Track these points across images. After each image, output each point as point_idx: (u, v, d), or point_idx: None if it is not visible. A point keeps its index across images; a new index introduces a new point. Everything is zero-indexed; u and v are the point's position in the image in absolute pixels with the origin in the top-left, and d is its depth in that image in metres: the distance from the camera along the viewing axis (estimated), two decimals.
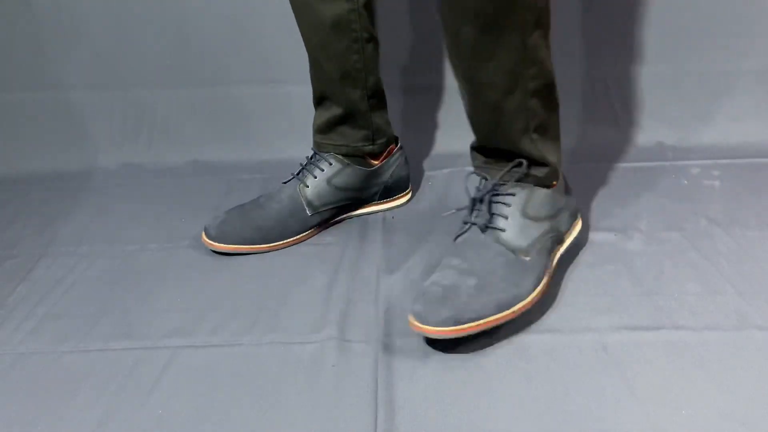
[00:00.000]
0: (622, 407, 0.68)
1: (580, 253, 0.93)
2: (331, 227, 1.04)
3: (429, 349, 0.76)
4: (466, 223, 0.84)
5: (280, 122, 1.28)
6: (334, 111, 1.00)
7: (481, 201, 0.83)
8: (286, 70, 1.27)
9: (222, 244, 0.96)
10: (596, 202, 1.06)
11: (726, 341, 0.76)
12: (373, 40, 0.97)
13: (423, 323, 0.72)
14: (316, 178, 1.00)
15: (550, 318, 0.81)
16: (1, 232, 1.07)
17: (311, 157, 1.03)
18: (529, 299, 0.78)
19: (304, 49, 1.24)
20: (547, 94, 0.80)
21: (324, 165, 1.01)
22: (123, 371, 0.76)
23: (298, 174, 1.02)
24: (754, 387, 0.70)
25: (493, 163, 0.85)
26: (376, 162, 1.04)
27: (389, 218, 1.05)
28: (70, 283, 0.93)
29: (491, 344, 0.77)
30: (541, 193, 0.83)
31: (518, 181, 0.82)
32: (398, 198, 1.08)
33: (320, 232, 1.03)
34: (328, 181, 1.01)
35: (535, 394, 0.70)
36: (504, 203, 0.82)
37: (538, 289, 0.79)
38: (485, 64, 0.75)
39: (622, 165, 1.17)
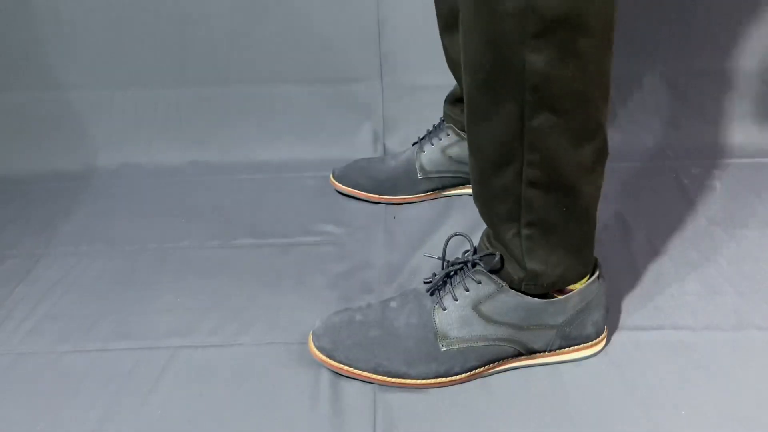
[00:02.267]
0: (622, 407, 0.68)
1: None
2: (443, 197, 1.09)
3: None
4: (433, 274, 0.77)
5: (280, 122, 1.28)
6: (458, 88, 1.03)
7: (447, 268, 0.75)
8: (286, 70, 1.26)
9: (340, 184, 1.09)
10: None
11: (725, 341, 0.76)
12: None
13: (312, 337, 0.75)
14: (432, 145, 1.06)
15: None
16: (1, 232, 1.07)
17: (437, 125, 1.08)
18: (411, 382, 0.72)
19: (304, 49, 1.25)
20: (560, 196, 0.66)
21: (442, 135, 1.06)
22: (123, 371, 0.76)
23: (422, 139, 1.09)
24: (754, 387, 0.70)
25: (487, 239, 0.74)
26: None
27: (390, 217, 1.05)
28: (70, 283, 0.93)
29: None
30: (511, 298, 0.71)
31: (492, 271, 0.71)
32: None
33: (432, 198, 1.08)
34: (443, 150, 1.05)
35: (534, 395, 0.70)
36: (464, 285, 0.72)
37: (436, 380, 0.72)
38: (477, 123, 0.66)
39: (622, 165, 1.17)
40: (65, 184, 1.20)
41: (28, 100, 1.28)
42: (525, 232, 0.68)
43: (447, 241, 0.76)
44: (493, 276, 0.71)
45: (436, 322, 0.72)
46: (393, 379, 0.72)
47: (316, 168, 1.20)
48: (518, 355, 0.74)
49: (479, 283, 0.71)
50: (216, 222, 1.06)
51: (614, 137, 1.24)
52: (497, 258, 0.71)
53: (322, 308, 0.84)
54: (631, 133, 1.24)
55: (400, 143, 1.25)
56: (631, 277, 0.87)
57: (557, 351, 0.74)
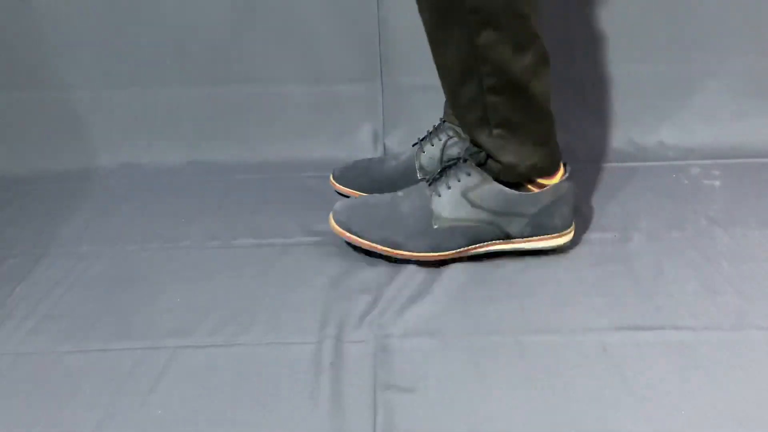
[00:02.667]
0: (622, 407, 0.68)
1: (581, 254, 0.93)
2: None
3: (429, 349, 0.76)
4: (430, 173, 0.95)
5: (280, 122, 1.28)
6: None
7: (441, 164, 0.94)
8: (286, 70, 1.26)
9: (340, 185, 1.11)
10: (596, 202, 1.06)
11: (725, 341, 0.76)
12: None
13: (332, 213, 0.93)
14: (432, 146, 1.07)
15: (550, 318, 0.81)
16: (1, 232, 1.07)
17: (437, 126, 1.09)
18: (405, 254, 0.89)
19: (304, 49, 1.25)
20: (516, 97, 0.82)
21: (443, 135, 1.07)
22: (123, 371, 0.76)
23: (422, 140, 1.09)
24: (754, 387, 0.70)
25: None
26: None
27: None
28: (70, 283, 0.93)
29: (491, 343, 0.77)
30: (493, 187, 0.87)
31: (479, 165, 0.87)
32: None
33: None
34: (443, 150, 1.05)
35: (535, 394, 0.70)
36: (456, 177, 0.88)
37: (423, 254, 0.89)
38: (440, 49, 0.83)
39: (622, 165, 1.17)
40: (65, 184, 1.20)
41: (28, 100, 1.28)
42: (495, 131, 0.85)
43: (444, 143, 0.95)
44: (479, 169, 0.87)
45: (432, 206, 0.89)
46: (395, 250, 0.90)
47: (316, 168, 1.20)
48: (497, 238, 0.90)
49: (468, 174, 0.88)
50: (216, 222, 1.06)
51: (614, 137, 1.24)
52: (482, 154, 0.87)
53: (322, 308, 0.84)
54: (631, 133, 1.24)
55: (400, 143, 1.25)
56: (631, 277, 0.87)
57: (529, 238, 0.90)
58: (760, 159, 1.16)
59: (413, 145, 1.10)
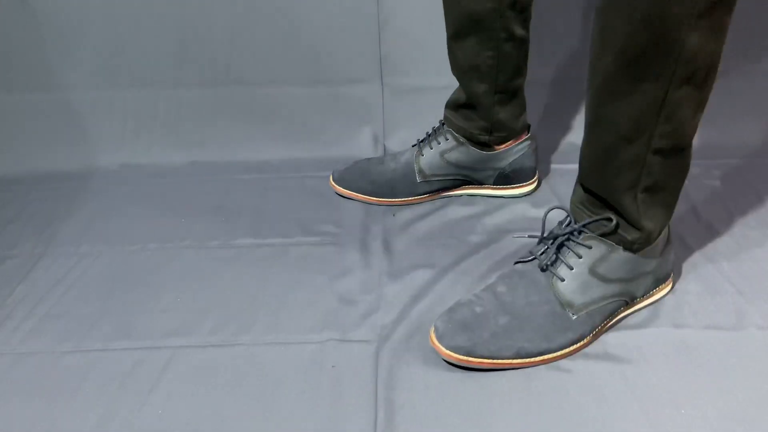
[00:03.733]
0: (622, 407, 0.68)
1: None
2: (418, 203, 1.08)
3: (429, 349, 0.76)
4: (532, 254, 0.79)
5: (280, 123, 1.28)
6: (460, 94, 1.03)
7: (554, 240, 0.78)
8: (286, 71, 1.27)
9: (340, 187, 1.09)
10: None
11: (726, 340, 0.76)
12: (514, 39, 0.95)
13: (438, 340, 0.73)
14: (431, 149, 1.06)
15: None
16: (1, 232, 1.07)
17: (436, 128, 1.08)
18: (554, 355, 0.74)
19: (304, 49, 1.25)
20: (675, 157, 0.72)
21: (441, 139, 1.06)
22: (123, 371, 0.76)
23: (420, 142, 1.08)
24: (754, 386, 0.70)
25: (587, 206, 0.78)
26: (497, 147, 1.05)
27: (390, 216, 1.05)
28: (70, 283, 0.93)
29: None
30: (621, 255, 0.76)
31: (602, 235, 0.76)
32: (518, 187, 1.08)
33: (431, 200, 1.08)
34: (442, 154, 1.05)
35: (534, 394, 0.70)
36: (575, 253, 0.76)
37: (572, 348, 0.75)
38: (613, 102, 0.68)
39: None
40: (65, 185, 1.20)
41: (28, 100, 1.28)
42: (641, 196, 0.73)
43: (545, 215, 0.80)
44: (604, 239, 0.76)
45: (559, 294, 0.75)
46: (536, 359, 0.74)
47: (316, 168, 1.20)
48: (625, 304, 0.79)
49: (590, 248, 0.76)
50: (216, 222, 1.06)
51: None
52: (614, 223, 0.75)
53: (322, 308, 0.84)
54: None
55: (400, 144, 1.25)
56: None
57: (650, 294, 0.81)
58: (761, 159, 1.16)
59: (413, 146, 1.09)
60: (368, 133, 1.28)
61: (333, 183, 1.11)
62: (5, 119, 1.28)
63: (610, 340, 0.77)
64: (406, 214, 1.05)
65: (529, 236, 0.80)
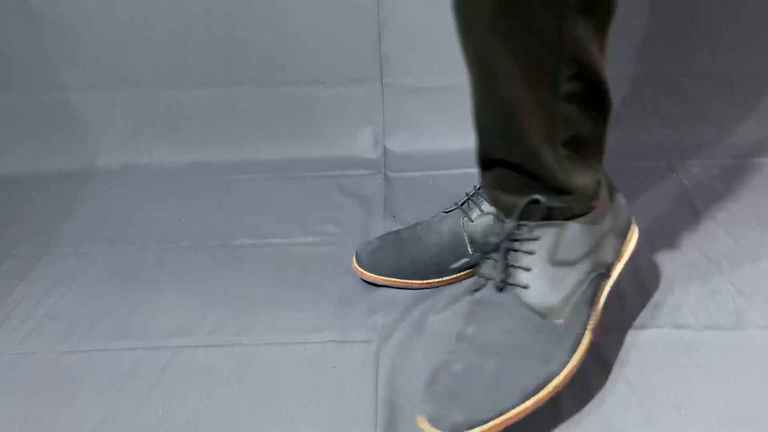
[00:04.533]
0: (622, 407, 0.68)
1: None
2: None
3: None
4: (482, 277, 0.67)
5: (280, 123, 1.28)
6: None
7: (496, 250, 0.66)
8: (286, 71, 1.27)
9: (373, 274, 0.87)
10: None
11: (726, 341, 0.76)
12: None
13: (436, 428, 0.58)
14: (483, 212, 0.86)
15: None
16: (1, 232, 1.07)
17: (479, 187, 0.88)
18: (563, 375, 0.62)
19: (304, 50, 1.25)
20: (592, 101, 0.62)
21: (485, 205, 0.87)
22: (123, 371, 0.76)
23: (462, 204, 0.89)
24: (754, 386, 0.70)
25: (505, 188, 0.66)
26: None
27: (390, 217, 1.05)
28: (70, 283, 0.93)
29: None
30: (576, 228, 0.65)
31: (544, 218, 0.64)
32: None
33: None
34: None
35: None
36: (526, 252, 0.64)
37: (577, 356, 0.64)
38: (503, 44, 0.57)
39: (622, 165, 1.17)
40: (65, 185, 1.20)
41: (28, 100, 1.28)
42: (562, 152, 0.63)
43: (463, 227, 0.71)
44: (544, 222, 0.64)
45: (531, 306, 0.63)
46: (547, 390, 0.61)
47: (316, 168, 1.20)
48: (605, 278, 0.69)
49: (538, 238, 0.64)
50: (216, 222, 1.06)
51: (614, 137, 1.24)
52: (542, 204, 0.63)
53: (322, 308, 0.84)
54: (631, 133, 1.24)
55: (400, 145, 1.25)
56: (632, 276, 0.87)
57: (620, 253, 0.72)
58: (761, 159, 1.16)
59: (446, 212, 0.90)
60: (368, 133, 1.28)
61: (359, 269, 0.88)
62: (5, 119, 1.28)
63: (608, 339, 0.77)
64: (406, 214, 1.05)
65: (464, 262, 0.70)
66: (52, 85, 1.27)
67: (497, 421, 0.58)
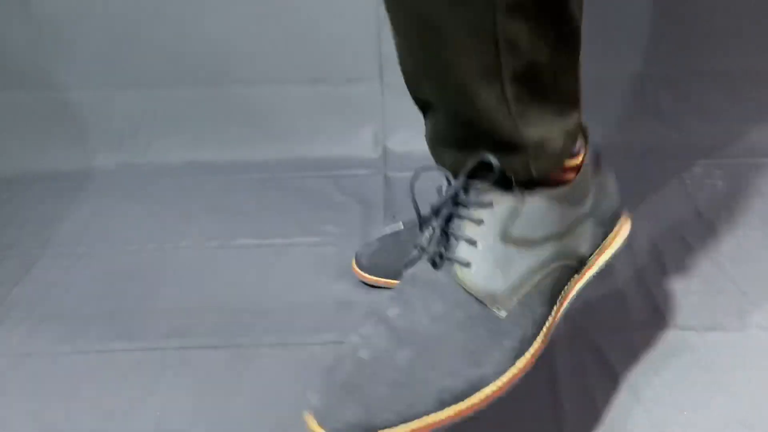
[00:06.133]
0: (623, 407, 0.68)
1: None
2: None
3: None
4: (416, 247, 0.55)
5: (280, 122, 1.28)
6: None
7: (437, 214, 0.54)
8: (286, 70, 1.26)
9: (373, 277, 0.86)
10: None
11: (728, 341, 0.75)
12: None
13: (320, 425, 0.46)
14: None
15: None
16: (0, 231, 1.06)
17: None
18: (499, 383, 0.49)
19: (304, 49, 1.25)
20: (548, 17, 0.47)
21: None
22: (123, 371, 0.76)
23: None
24: (757, 387, 0.69)
25: (443, 149, 0.55)
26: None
27: (391, 217, 1.04)
28: (69, 283, 0.93)
29: None
30: (541, 201, 0.53)
31: (497, 183, 0.51)
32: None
33: None
34: None
35: (534, 394, 0.70)
36: (473, 220, 0.52)
37: (520, 363, 0.51)
38: None
39: (622, 165, 1.16)
40: (64, 184, 1.20)
41: (26, 99, 1.27)
42: (510, 91, 0.48)
43: (412, 185, 0.57)
44: (497, 188, 0.52)
45: (470, 289, 0.51)
46: (474, 399, 0.48)
47: (316, 168, 1.20)
48: (574, 273, 0.58)
49: (490, 205, 0.52)
50: (216, 222, 1.05)
51: (614, 137, 1.24)
52: (493, 162, 0.50)
53: (321, 309, 0.84)
54: (631, 133, 1.24)
55: (400, 144, 1.25)
56: (632, 276, 0.87)
57: (600, 247, 0.59)
58: (763, 158, 1.16)
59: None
60: (368, 132, 1.28)
61: (360, 271, 0.88)
62: (5, 119, 1.28)
63: (610, 340, 0.76)
64: (406, 214, 1.05)
65: (392, 220, 0.57)
66: (49, 84, 1.27)
67: (400, 428, 0.45)
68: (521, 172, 0.52)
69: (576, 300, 0.59)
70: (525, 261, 0.53)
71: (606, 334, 0.77)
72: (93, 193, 1.17)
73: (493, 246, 0.52)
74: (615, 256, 0.61)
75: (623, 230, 0.62)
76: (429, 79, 0.51)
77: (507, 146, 0.50)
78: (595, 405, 0.68)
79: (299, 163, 1.22)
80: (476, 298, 0.51)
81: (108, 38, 1.24)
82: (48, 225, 1.07)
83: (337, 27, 1.23)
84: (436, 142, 0.56)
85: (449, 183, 0.54)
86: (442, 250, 0.52)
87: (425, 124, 0.58)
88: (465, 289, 0.51)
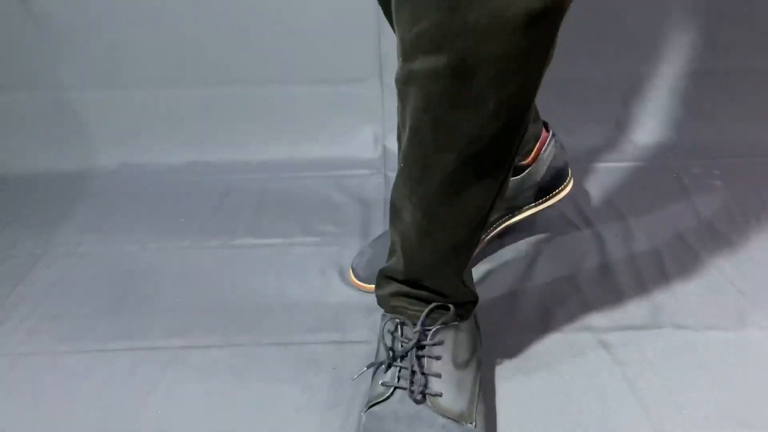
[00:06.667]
0: (623, 407, 0.68)
1: (581, 252, 0.93)
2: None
3: None
4: (389, 386, 0.64)
5: (280, 122, 1.28)
6: None
7: (403, 357, 0.64)
8: (286, 70, 1.26)
9: (373, 286, 0.81)
10: (597, 202, 1.06)
11: (727, 341, 0.76)
12: None
13: None
14: None
15: (550, 318, 0.81)
16: (1, 232, 1.06)
17: None
18: None
19: (304, 49, 1.25)
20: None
21: None
22: (123, 371, 0.76)
23: None
24: (755, 386, 0.69)
25: (408, 305, 0.67)
26: (527, 163, 0.89)
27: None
28: (70, 283, 0.93)
29: (491, 342, 0.77)
30: (465, 330, 0.68)
31: (442, 323, 0.65)
32: (558, 193, 0.92)
33: (477, 258, 0.92)
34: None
35: (535, 394, 0.70)
36: (434, 357, 0.64)
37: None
38: (451, 201, 0.58)
39: (622, 165, 1.17)
40: (65, 184, 1.20)
41: (27, 99, 1.28)
42: (466, 270, 0.68)
43: (381, 333, 0.68)
44: (445, 325, 0.66)
45: (446, 413, 0.62)
46: None
47: (316, 168, 1.20)
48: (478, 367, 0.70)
49: (442, 343, 0.65)
50: (216, 222, 1.05)
51: (614, 137, 1.24)
52: (451, 310, 0.65)
53: (322, 309, 0.84)
54: (631, 133, 1.24)
55: None
56: (632, 276, 0.87)
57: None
58: (761, 158, 1.16)
59: None
60: (368, 132, 1.28)
61: (358, 282, 0.88)
62: (5, 119, 1.28)
63: (610, 340, 0.77)
64: None
65: (369, 367, 0.66)
66: (51, 84, 1.27)
67: None
68: (465, 314, 0.68)
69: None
70: (468, 378, 0.65)
71: (606, 333, 0.78)
72: (94, 193, 1.18)
73: (451, 374, 0.64)
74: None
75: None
76: (434, 274, 0.65)
77: (463, 302, 0.67)
78: (595, 404, 0.68)
79: (299, 163, 1.22)
80: (452, 419, 0.62)
81: (108, 38, 1.24)
82: (49, 225, 1.08)
83: (337, 27, 1.23)
84: (403, 300, 0.67)
85: (401, 324, 0.66)
86: (422, 388, 0.63)
87: (381, 285, 0.70)
88: (444, 416, 0.62)
